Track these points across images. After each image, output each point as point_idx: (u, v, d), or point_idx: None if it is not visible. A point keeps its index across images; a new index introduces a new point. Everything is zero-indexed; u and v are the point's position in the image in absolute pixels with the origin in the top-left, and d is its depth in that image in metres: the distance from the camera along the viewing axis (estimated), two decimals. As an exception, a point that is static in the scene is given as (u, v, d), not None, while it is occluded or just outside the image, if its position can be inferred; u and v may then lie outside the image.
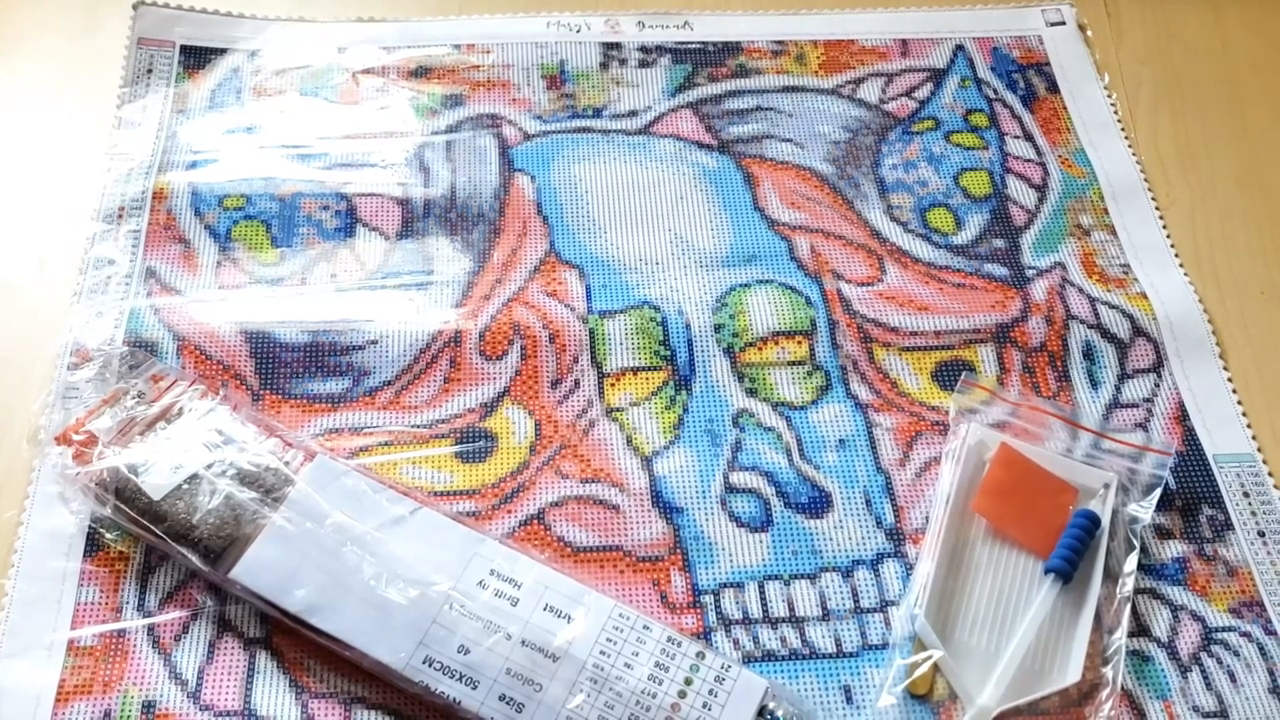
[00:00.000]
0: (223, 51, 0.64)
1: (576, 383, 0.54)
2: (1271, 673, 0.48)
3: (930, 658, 0.47)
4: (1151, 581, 0.50)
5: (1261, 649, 0.48)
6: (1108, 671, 0.47)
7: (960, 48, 0.68)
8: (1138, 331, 0.57)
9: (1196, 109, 0.67)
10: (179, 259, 0.57)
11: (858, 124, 0.64)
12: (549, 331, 0.55)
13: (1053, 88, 0.67)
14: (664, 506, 0.51)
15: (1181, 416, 0.55)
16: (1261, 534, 0.51)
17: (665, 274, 0.58)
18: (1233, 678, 0.48)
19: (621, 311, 0.56)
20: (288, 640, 0.46)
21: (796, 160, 0.63)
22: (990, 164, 0.63)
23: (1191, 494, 0.52)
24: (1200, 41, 0.70)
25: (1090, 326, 0.57)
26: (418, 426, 0.52)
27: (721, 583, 0.49)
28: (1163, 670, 0.48)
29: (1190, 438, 0.54)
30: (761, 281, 0.58)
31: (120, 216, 0.58)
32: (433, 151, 0.62)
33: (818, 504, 0.51)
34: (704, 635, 0.48)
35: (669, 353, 0.55)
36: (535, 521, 0.50)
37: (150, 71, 0.63)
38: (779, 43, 0.67)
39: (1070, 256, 0.60)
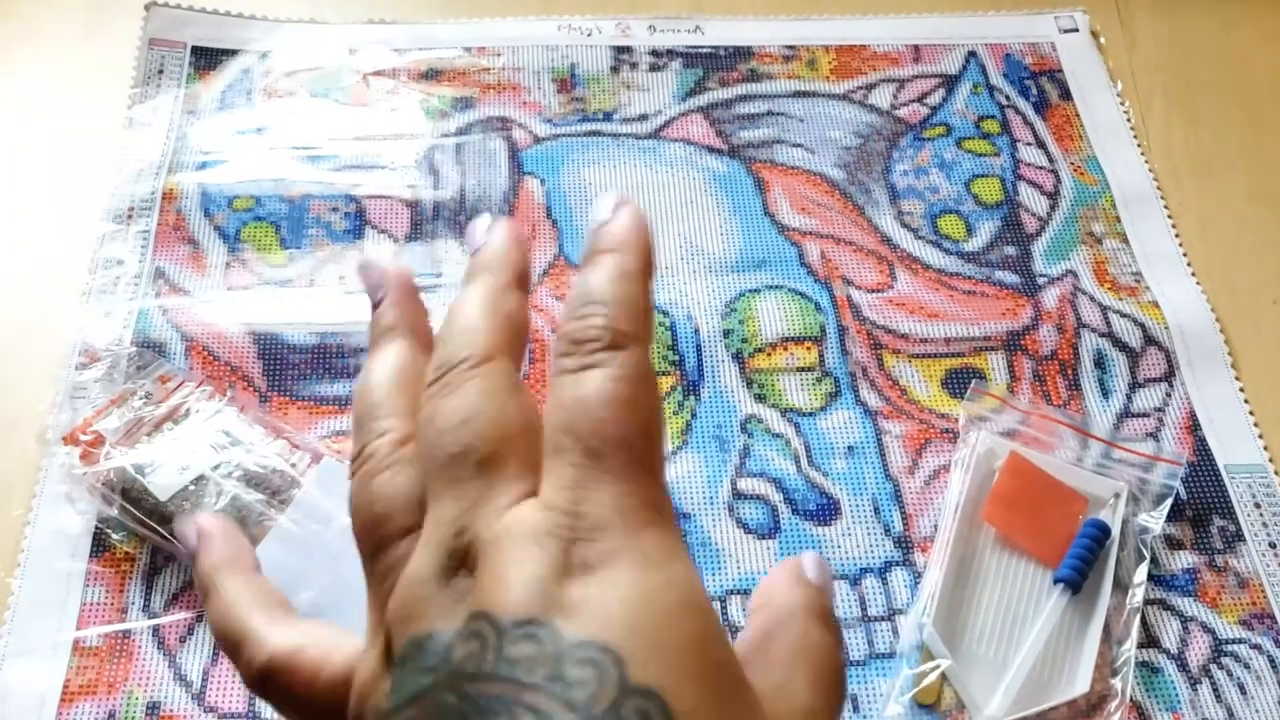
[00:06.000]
0: (234, 53, 0.64)
1: (584, 387, 0.54)
2: (1282, 686, 0.48)
3: (938, 667, 0.46)
4: (1161, 592, 0.50)
5: (1272, 661, 0.48)
6: (1116, 683, 0.46)
7: (973, 54, 0.68)
8: (1149, 340, 0.57)
9: (1210, 118, 0.66)
10: (188, 260, 0.57)
11: (869, 129, 0.64)
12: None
13: (1065, 95, 0.66)
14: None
15: (1193, 426, 0.54)
16: (1273, 545, 0.51)
17: (674, 279, 0.58)
18: (1243, 690, 0.47)
19: (630, 316, 0.56)
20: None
21: (807, 165, 0.62)
22: (1002, 171, 0.63)
23: (1202, 504, 0.52)
24: (1213, 51, 0.69)
25: (1102, 335, 0.57)
26: (425, 429, 0.52)
27: (729, 589, 0.49)
28: (1172, 682, 0.47)
29: (1201, 448, 0.54)
30: (771, 287, 0.57)
31: (130, 217, 0.58)
32: (442, 154, 0.62)
33: (826, 511, 0.51)
34: (710, 642, 0.47)
35: (677, 358, 0.55)
36: (542, 526, 0.50)
37: (161, 72, 0.63)
38: (790, 47, 0.67)
39: (1082, 264, 0.59)
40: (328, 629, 0.30)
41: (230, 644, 0.29)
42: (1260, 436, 0.54)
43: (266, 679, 0.28)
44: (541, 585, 0.23)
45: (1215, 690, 0.47)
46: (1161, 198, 0.62)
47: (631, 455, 0.25)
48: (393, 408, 0.29)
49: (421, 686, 0.23)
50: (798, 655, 0.28)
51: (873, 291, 0.58)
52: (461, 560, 0.25)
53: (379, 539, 0.27)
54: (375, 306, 0.33)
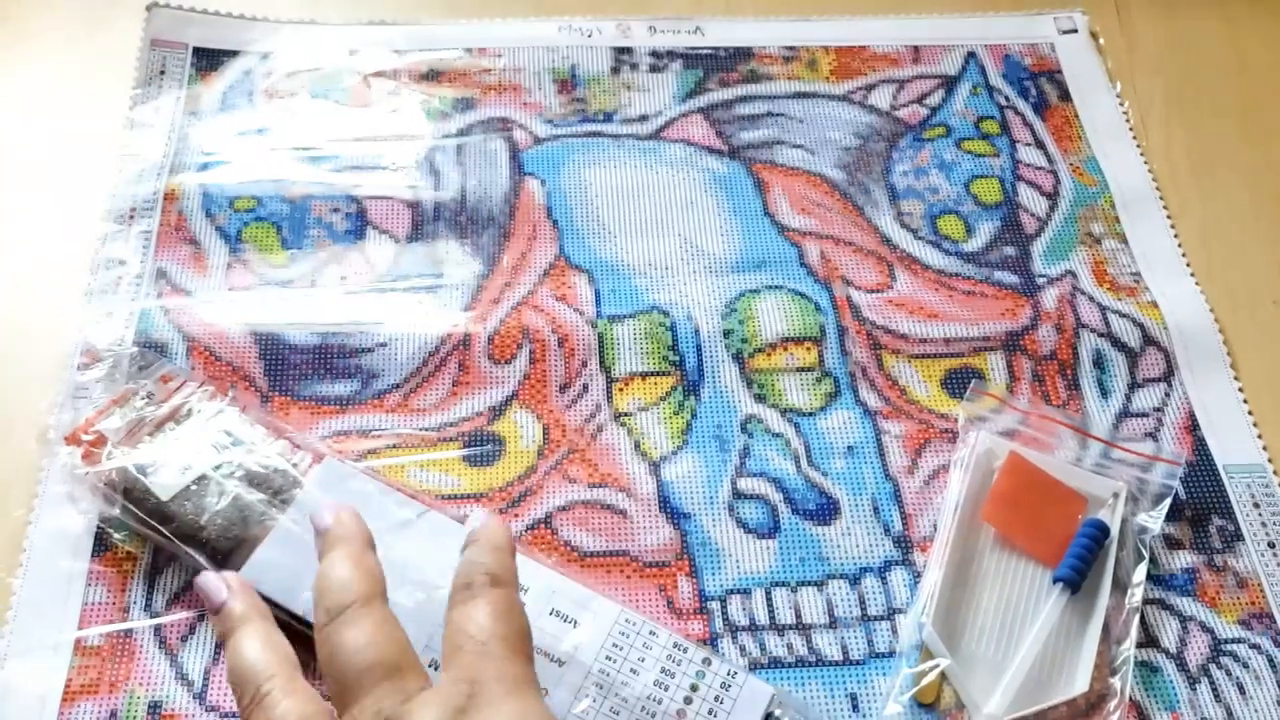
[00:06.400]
0: (235, 54, 0.65)
1: (585, 387, 0.54)
2: (1281, 685, 0.48)
3: (937, 666, 0.47)
4: (1160, 592, 0.50)
5: (1271, 661, 0.48)
6: (1115, 682, 0.46)
7: (972, 54, 0.68)
8: (1148, 340, 0.57)
9: (1209, 118, 0.67)
10: (189, 260, 0.57)
11: (869, 130, 0.64)
12: (558, 335, 0.55)
13: (1064, 95, 0.67)
14: (671, 512, 0.51)
15: (1192, 426, 0.55)
16: (1272, 545, 0.51)
17: (675, 279, 0.58)
18: (1241, 689, 0.47)
19: (630, 316, 0.56)
20: (294, 642, 0.46)
21: (807, 166, 0.63)
22: (1001, 171, 0.63)
23: (1201, 504, 0.52)
24: (1213, 52, 0.70)
25: (1101, 335, 0.57)
26: (426, 430, 0.52)
27: (728, 589, 0.49)
28: (1171, 681, 0.47)
29: (1200, 448, 0.54)
30: (771, 287, 0.58)
31: (131, 217, 0.58)
32: (443, 155, 0.62)
33: (825, 511, 0.51)
34: (710, 641, 0.48)
35: (678, 358, 0.55)
36: (542, 526, 0.50)
37: (163, 73, 0.63)
38: (790, 48, 0.67)
39: (1081, 265, 0.60)
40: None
41: (240, 686, 0.38)
42: (1259, 436, 0.54)
43: None
44: (441, 717, 0.34)
45: (1214, 689, 0.47)
46: (1160, 198, 0.63)
47: (508, 645, 0.37)
48: (267, 664, 0.38)
49: None
50: None
51: (872, 292, 0.58)
52: None
53: None
54: (217, 610, 0.41)
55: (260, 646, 0.39)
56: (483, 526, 0.42)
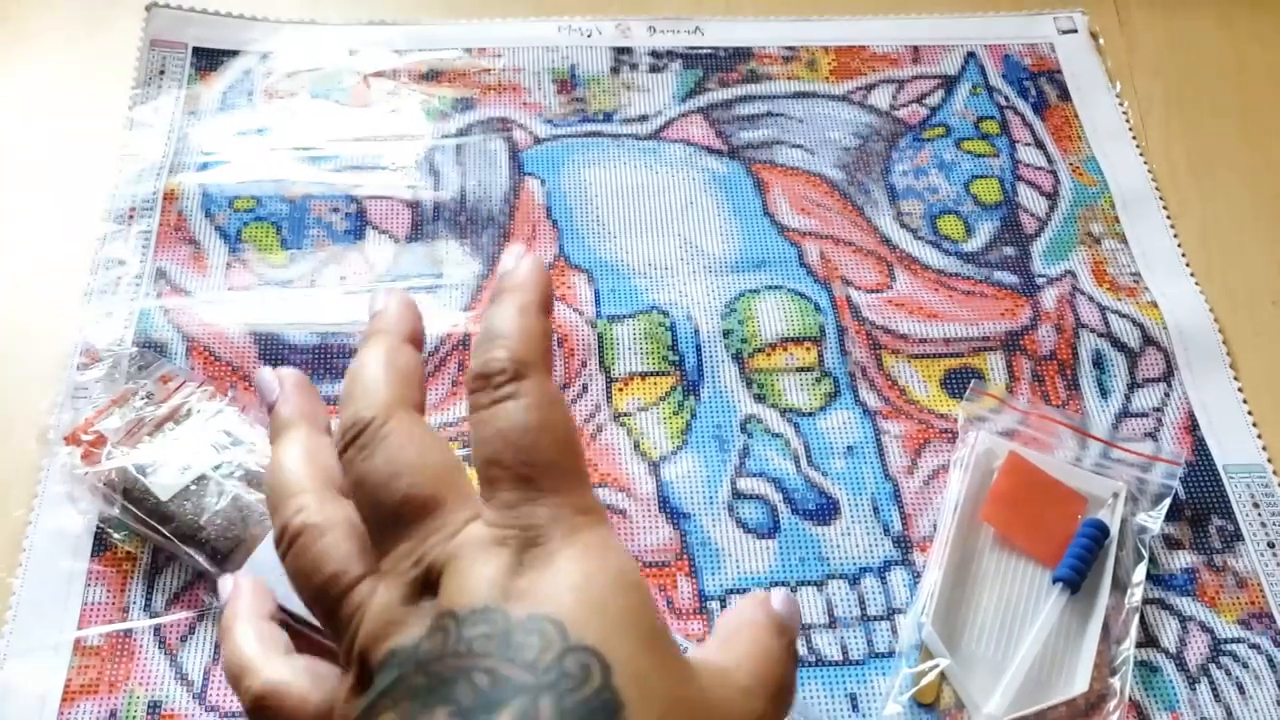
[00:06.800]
0: (234, 54, 0.65)
1: (584, 387, 0.54)
2: (1280, 685, 0.48)
3: (937, 666, 0.47)
4: (1160, 592, 0.50)
5: (1270, 661, 0.48)
6: (1115, 682, 0.46)
7: (972, 54, 0.68)
8: (1148, 340, 0.57)
9: (1208, 118, 0.67)
10: (189, 260, 0.57)
11: (868, 130, 0.64)
12: (557, 335, 0.55)
13: (1064, 95, 0.67)
14: (671, 512, 0.51)
15: (1191, 426, 0.55)
16: (1271, 545, 0.51)
17: (674, 279, 0.58)
18: (1241, 689, 0.47)
19: (630, 316, 0.56)
20: (294, 643, 0.46)
21: (807, 166, 0.63)
22: (1001, 171, 0.63)
23: (1201, 504, 0.52)
24: (1212, 52, 0.70)
25: (1100, 335, 0.57)
26: (425, 429, 0.52)
27: (728, 589, 0.49)
28: (1171, 681, 0.48)
29: (1200, 448, 0.54)
30: (771, 287, 0.58)
31: (131, 217, 0.58)
32: (443, 155, 0.62)
33: (825, 511, 0.51)
34: (710, 641, 0.48)
35: (677, 358, 0.55)
36: (542, 526, 0.50)
37: (162, 73, 0.63)
38: (790, 48, 0.67)
39: (1081, 265, 0.60)
40: (322, 666, 0.32)
41: (234, 675, 0.32)
42: (1259, 436, 0.54)
43: (260, 706, 0.31)
44: (495, 582, 0.27)
45: (1214, 689, 0.47)
46: (1160, 198, 0.63)
47: (556, 471, 0.29)
48: (304, 485, 0.32)
49: (392, 680, 0.26)
50: (748, 650, 0.31)
51: (872, 292, 0.58)
52: (423, 586, 0.28)
53: (338, 594, 0.30)
54: (271, 409, 0.35)
55: (297, 461, 0.32)
56: (512, 272, 0.33)
